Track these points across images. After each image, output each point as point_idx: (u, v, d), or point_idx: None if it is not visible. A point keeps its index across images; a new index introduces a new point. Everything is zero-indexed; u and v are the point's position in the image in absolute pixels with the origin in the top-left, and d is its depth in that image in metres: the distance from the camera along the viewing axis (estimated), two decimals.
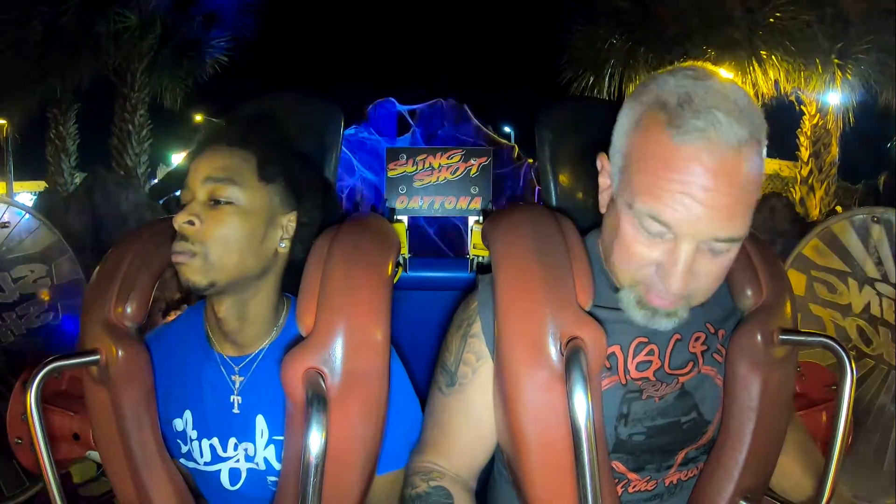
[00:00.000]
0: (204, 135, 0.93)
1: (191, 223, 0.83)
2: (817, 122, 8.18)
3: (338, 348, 0.78)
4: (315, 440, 0.71)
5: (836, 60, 7.34)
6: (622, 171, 0.75)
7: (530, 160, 7.97)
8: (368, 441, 0.83)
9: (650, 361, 0.83)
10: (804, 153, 8.33)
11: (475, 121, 8.52)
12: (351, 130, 8.04)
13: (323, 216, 0.95)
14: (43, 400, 0.79)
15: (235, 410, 0.91)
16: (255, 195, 0.87)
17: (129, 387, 0.86)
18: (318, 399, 0.73)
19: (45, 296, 1.86)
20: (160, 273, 0.95)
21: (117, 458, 0.87)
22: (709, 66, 0.74)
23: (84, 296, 0.94)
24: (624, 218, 0.74)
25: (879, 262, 1.71)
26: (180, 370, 0.94)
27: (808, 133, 8.26)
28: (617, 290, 0.82)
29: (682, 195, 0.68)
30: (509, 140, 8.70)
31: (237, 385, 0.91)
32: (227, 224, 0.84)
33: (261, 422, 0.90)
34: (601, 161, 0.80)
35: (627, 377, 0.82)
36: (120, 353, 0.85)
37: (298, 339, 0.81)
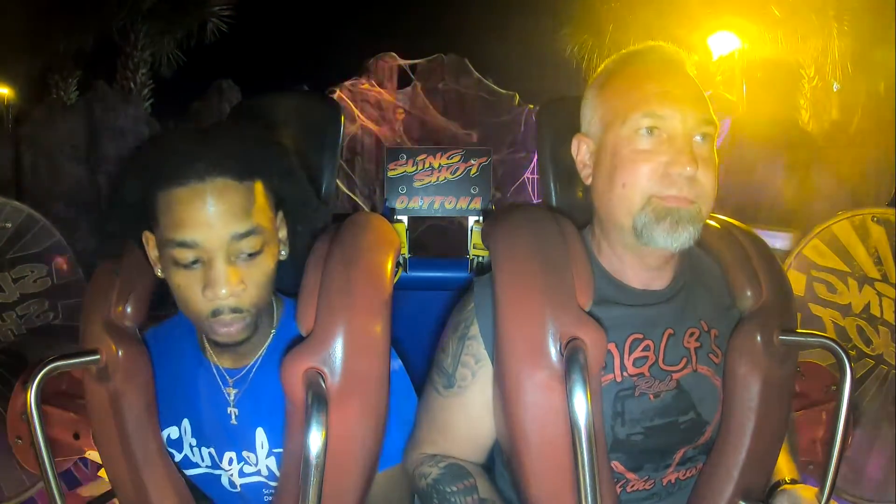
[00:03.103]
0: (186, 156, 0.76)
1: (241, 291, 0.77)
2: (816, 84, 8.07)
3: (338, 348, 0.78)
4: (315, 440, 0.71)
5: (832, 13, 7.25)
6: (602, 122, 0.84)
7: (530, 105, 7.99)
8: (368, 441, 0.83)
9: (646, 357, 0.83)
10: (804, 115, 8.24)
11: (475, 74, 8.56)
12: (352, 81, 8.06)
13: (309, 215, 0.89)
14: (43, 400, 0.79)
15: (233, 422, 0.89)
16: (271, 226, 0.82)
17: (129, 387, 0.86)
18: (318, 399, 0.73)
19: (63, 264, 1.86)
20: None
21: (117, 458, 0.87)
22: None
23: (84, 296, 0.94)
24: (620, 148, 0.81)
25: (879, 262, 1.71)
26: (175, 379, 0.92)
27: (808, 95, 8.17)
28: (611, 283, 0.84)
29: (665, 91, 0.80)
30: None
31: (232, 397, 0.89)
32: (264, 270, 0.80)
33: (261, 434, 0.89)
34: (576, 141, 0.88)
35: (623, 374, 0.83)
36: (120, 353, 0.85)
37: (298, 340, 0.81)
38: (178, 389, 0.91)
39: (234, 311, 0.78)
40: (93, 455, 1.06)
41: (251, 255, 0.78)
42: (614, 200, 0.82)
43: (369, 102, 8.27)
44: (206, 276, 0.76)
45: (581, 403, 0.70)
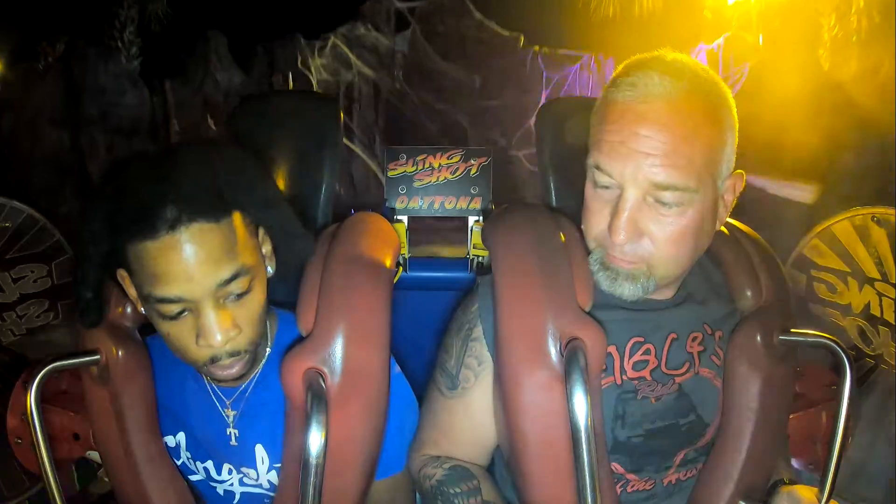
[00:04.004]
0: (151, 202, 0.67)
1: (231, 335, 0.74)
2: (836, 34, 7.78)
3: (338, 348, 0.78)
4: (315, 440, 0.71)
5: None
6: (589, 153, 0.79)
7: (535, 48, 7.73)
8: (368, 441, 0.83)
9: (647, 361, 0.83)
10: (824, 65, 7.96)
11: (477, 15, 8.24)
12: (347, 26, 7.86)
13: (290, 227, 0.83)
14: (43, 400, 0.79)
15: (233, 443, 0.89)
16: (256, 257, 0.77)
17: (130, 386, 0.86)
18: (318, 399, 0.73)
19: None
20: None
21: (117, 458, 0.87)
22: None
23: None
24: (587, 182, 0.79)
25: (879, 262, 1.71)
26: (172, 391, 0.90)
27: (828, 45, 7.86)
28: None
29: (618, 143, 0.73)
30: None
31: (231, 418, 0.88)
32: (256, 307, 0.77)
33: (260, 451, 0.88)
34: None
35: (623, 377, 0.82)
36: (120, 353, 0.85)
37: (298, 340, 0.81)
38: (173, 402, 0.90)
39: (233, 354, 0.76)
40: (93, 455, 1.06)
41: (240, 296, 0.74)
42: (582, 221, 0.83)
43: (366, 48, 7.92)
44: (198, 325, 0.72)
45: (581, 403, 0.70)
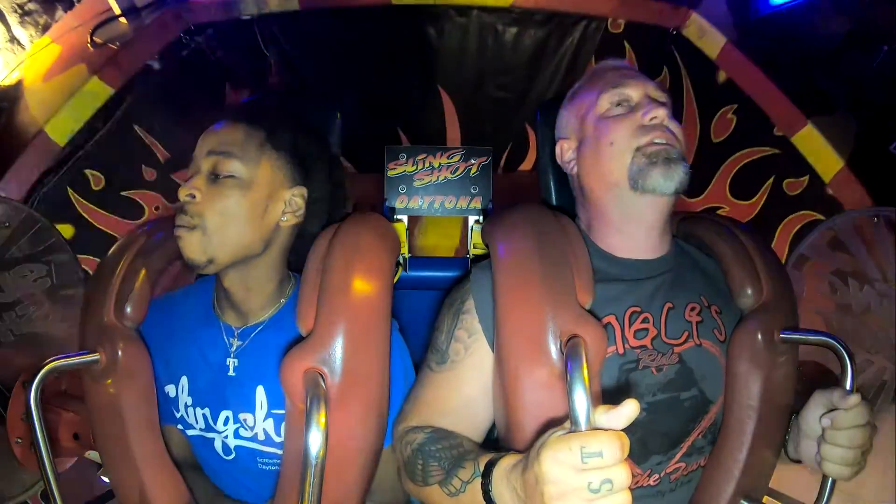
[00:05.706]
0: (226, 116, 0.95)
1: (192, 196, 0.85)
2: None
3: (338, 348, 0.78)
4: (315, 440, 0.71)
5: None
6: (578, 117, 0.95)
7: None
8: (368, 440, 0.83)
9: (646, 329, 0.85)
10: None
11: None
12: None
13: (331, 191, 0.97)
14: (43, 400, 0.79)
15: (231, 373, 0.91)
16: (256, 169, 0.88)
17: (130, 386, 0.86)
18: (317, 399, 0.73)
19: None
20: (160, 273, 0.95)
21: (117, 458, 0.87)
22: None
23: (84, 296, 0.94)
24: (599, 123, 0.90)
25: (879, 263, 1.71)
26: (182, 337, 0.95)
27: None
28: (604, 259, 0.88)
29: (620, 74, 0.94)
30: None
31: (234, 347, 0.92)
32: (226, 197, 0.86)
33: (260, 393, 0.90)
34: (558, 147, 0.98)
35: (626, 346, 0.83)
36: (120, 353, 0.85)
37: (298, 339, 0.81)
38: (182, 347, 0.94)
39: (184, 213, 0.85)
40: (93, 455, 1.06)
41: (218, 177, 0.87)
42: (605, 160, 0.87)
43: None
44: None
45: (581, 401, 0.70)
